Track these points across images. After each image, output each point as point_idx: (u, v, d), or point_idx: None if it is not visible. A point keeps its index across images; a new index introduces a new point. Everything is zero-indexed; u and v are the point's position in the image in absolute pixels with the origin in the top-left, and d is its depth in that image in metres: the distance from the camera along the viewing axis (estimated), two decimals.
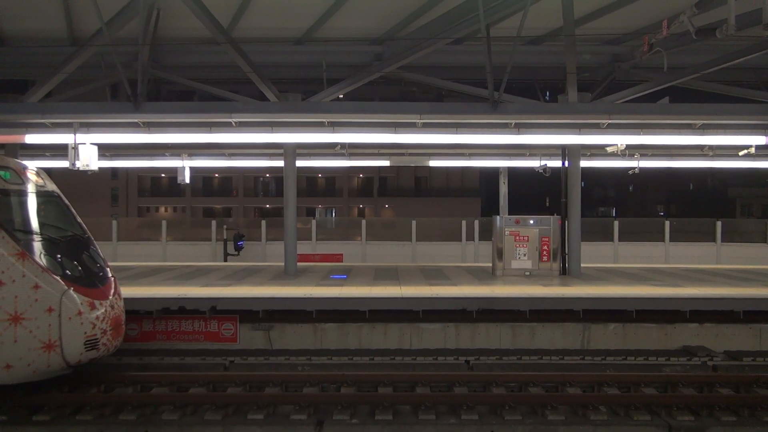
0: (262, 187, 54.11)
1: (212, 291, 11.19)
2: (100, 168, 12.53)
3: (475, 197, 49.65)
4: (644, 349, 10.37)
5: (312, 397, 8.02)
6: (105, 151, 15.82)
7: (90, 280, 8.10)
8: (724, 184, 53.56)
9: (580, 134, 12.02)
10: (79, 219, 8.97)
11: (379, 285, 12.08)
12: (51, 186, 8.86)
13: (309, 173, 49.12)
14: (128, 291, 10.59)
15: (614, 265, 17.69)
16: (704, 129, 12.18)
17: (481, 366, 9.58)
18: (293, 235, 14.14)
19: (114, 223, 22.14)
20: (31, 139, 12.05)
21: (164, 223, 22.26)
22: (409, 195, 51.54)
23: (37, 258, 7.63)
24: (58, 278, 7.60)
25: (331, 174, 51.78)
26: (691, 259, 19.32)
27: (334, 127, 11.80)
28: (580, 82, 11.89)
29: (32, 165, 8.87)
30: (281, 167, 14.44)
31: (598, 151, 15.78)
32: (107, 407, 7.77)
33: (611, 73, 13.15)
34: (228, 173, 51.73)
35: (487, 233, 19.12)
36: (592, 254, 17.56)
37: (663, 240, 21.18)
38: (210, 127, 11.86)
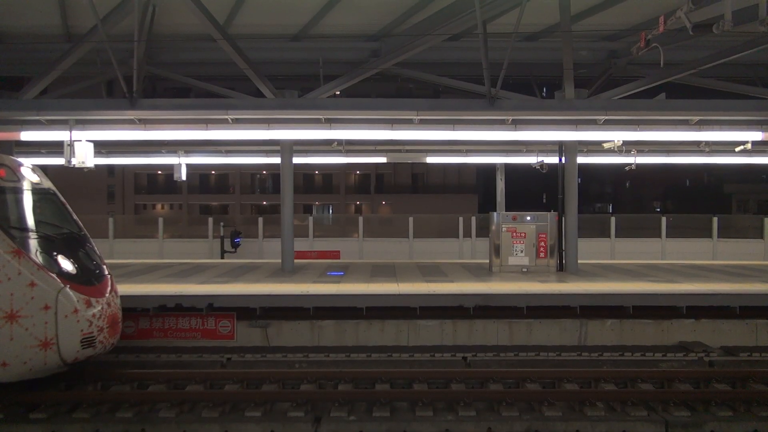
0: (259, 184, 54.06)
1: (209, 288, 11.18)
2: (96, 165, 12.52)
3: (472, 194, 49.71)
4: (641, 345, 10.41)
5: (309, 394, 8.01)
6: (101, 148, 15.79)
7: (86, 277, 8.08)
8: (720, 180, 53.71)
9: (576, 130, 12.05)
10: (75, 216, 8.94)
11: (376, 282, 12.08)
12: (47, 183, 8.82)
13: (306, 170, 49.12)
14: (125, 288, 10.58)
15: (611, 261, 17.74)
16: (701, 125, 12.23)
17: (478, 362, 9.58)
18: (290, 232, 14.13)
19: (110, 220, 22.13)
20: (27, 136, 12.03)
21: (161, 220, 22.28)
22: (406, 192, 51.58)
23: (32, 255, 7.60)
24: (54, 276, 7.57)
25: (328, 171, 51.80)
26: (688, 255, 19.41)
27: (330, 123, 11.83)
28: (577, 78, 11.90)
29: (28, 162, 8.83)
30: (278, 164, 14.43)
31: (595, 147, 15.82)
32: (104, 405, 7.76)
33: (608, 70, 13.15)
34: (225, 170, 51.72)
35: (484, 230, 19.20)
36: (589, 250, 17.60)
37: (660, 236, 21.28)
38: (206, 123, 11.86)
